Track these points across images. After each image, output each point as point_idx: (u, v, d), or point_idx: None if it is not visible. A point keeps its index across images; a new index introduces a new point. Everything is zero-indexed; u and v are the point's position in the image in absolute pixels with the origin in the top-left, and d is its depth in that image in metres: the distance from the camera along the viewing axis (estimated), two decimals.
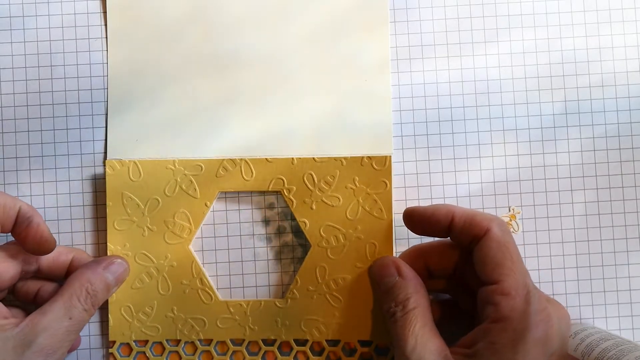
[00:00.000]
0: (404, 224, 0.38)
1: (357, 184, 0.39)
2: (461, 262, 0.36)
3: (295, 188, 0.39)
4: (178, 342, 0.39)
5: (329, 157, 0.39)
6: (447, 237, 0.36)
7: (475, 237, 0.34)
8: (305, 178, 0.39)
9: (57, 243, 0.39)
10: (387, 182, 0.39)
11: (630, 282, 0.40)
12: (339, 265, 0.39)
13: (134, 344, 0.39)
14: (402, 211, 0.37)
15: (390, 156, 0.39)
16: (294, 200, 0.39)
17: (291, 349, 0.39)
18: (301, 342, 0.39)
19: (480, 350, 0.32)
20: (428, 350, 0.33)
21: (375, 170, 0.39)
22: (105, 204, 0.40)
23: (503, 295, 0.32)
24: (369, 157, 0.39)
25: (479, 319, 0.33)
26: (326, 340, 0.39)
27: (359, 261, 0.39)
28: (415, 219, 0.36)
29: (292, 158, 0.39)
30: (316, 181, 0.39)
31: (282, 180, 0.39)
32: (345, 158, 0.39)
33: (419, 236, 0.39)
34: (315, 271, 0.39)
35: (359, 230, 0.39)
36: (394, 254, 0.39)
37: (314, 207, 0.39)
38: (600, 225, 0.40)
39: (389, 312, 0.36)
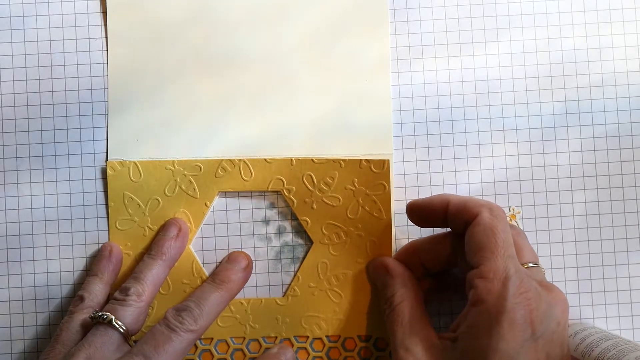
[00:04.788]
0: (404, 224, 0.38)
1: (356, 185, 0.39)
2: (454, 255, 0.36)
3: (295, 188, 0.39)
4: None
5: (327, 159, 0.39)
6: (446, 226, 0.36)
7: (467, 222, 0.34)
8: (304, 179, 0.39)
9: (58, 243, 0.40)
10: (386, 184, 0.39)
11: (630, 282, 0.40)
12: (341, 260, 0.39)
13: (134, 344, 0.39)
14: (404, 210, 0.38)
15: (389, 160, 0.39)
16: (295, 200, 0.39)
17: (292, 346, 0.39)
18: (302, 339, 0.40)
19: (461, 334, 0.32)
20: (414, 342, 0.34)
21: (374, 173, 0.39)
22: (106, 204, 0.40)
23: (481, 278, 0.32)
24: (367, 160, 0.39)
25: None
26: (326, 337, 0.39)
27: (360, 257, 0.39)
28: (415, 211, 0.37)
29: (291, 159, 0.39)
30: (316, 182, 0.39)
31: (282, 180, 0.39)
32: (343, 160, 0.39)
33: (419, 236, 0.40)
34: (316, 267, 0.39)
35: (359, 228, 0.39)
36: (394, 251, 0.39)
37: (314, 206, 0.39)
38: (600, 225, 0.40)
39: (382, 310, 0.37)
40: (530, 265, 0.35)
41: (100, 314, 0.36)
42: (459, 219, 0.34)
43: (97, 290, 0.38)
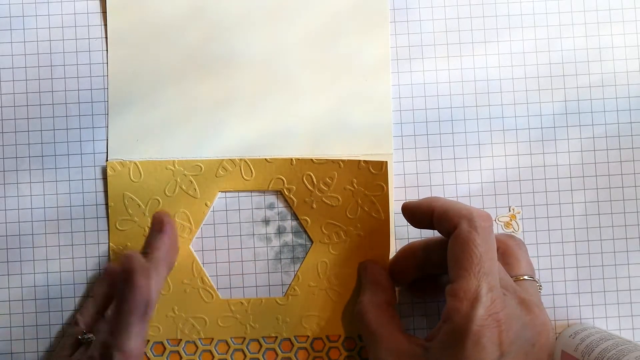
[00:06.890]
0: (404, 224, 0.38)
1: (355, 185, 0.39)
2: (445, 261, 0.36)
3: (295, 188, 0.39)
4: (179, 341, 0.40)
5: (326, 159, 0.39)
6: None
7: (449, 232, 0.33)
8: (304, 179, 0.39)
9: (58, 243, 0.40)
10: (384, 185, 0.39)
11: (630, 282, 0.40)
12: (340, 260, 0.39)
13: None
14: None
15: (387, 162, 0.39)
16: (295, 200, 0.39)
17: (292, 346, 0.39)
18: (302, 339, 0.40)
19: (433, 346, 0.32)
20: (383, 351, 0.34)
21: (372, 174, 0.39)
22: (106, 204, 0.40)
23: (451, 296, 0.32)
24: (366, 161, 0.39)
25: None
26: (326, 336, 0.39)
27: (360, 256, 0.39)
28: (407, 213, 0.37)
29: (291, 158, 0.39)
30: (315, 182, 0.39)
31: (282, 180, 0.39)
32: (342, 161, 0.39)
33: (419, 236, 0.40)
34: (316, 267, 0.39)
35: (359, 227, 0.39)
36: (393, 251, 0.40)
37: (314, 206, 0.39)
38: (600, 225, 0.40)
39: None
40: (525, 278, 0.35)
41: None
42: (442, 227, 0.34)
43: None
